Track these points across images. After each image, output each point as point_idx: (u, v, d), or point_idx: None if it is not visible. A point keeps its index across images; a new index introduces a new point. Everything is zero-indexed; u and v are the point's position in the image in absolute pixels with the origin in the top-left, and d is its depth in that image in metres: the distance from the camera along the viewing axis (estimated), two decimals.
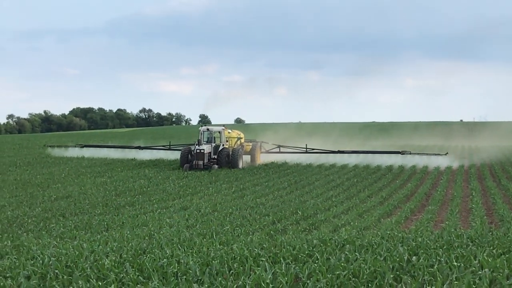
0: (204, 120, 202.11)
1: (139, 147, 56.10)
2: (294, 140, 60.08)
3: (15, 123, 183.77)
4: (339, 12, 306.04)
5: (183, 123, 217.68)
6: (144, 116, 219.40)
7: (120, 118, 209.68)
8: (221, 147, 44.91)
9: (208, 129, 45.71)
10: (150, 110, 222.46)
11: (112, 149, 57.36)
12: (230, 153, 44.78)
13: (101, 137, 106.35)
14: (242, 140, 49.08)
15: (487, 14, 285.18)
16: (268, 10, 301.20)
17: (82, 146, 58.27)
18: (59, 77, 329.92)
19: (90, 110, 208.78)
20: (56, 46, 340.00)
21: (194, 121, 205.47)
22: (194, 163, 42.89)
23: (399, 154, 50.11)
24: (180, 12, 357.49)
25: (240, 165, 44.83)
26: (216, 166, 43.12)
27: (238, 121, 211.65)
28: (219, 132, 45.78)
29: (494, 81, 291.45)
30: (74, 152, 56.05)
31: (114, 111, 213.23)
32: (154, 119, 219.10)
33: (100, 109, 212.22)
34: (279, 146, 52.59)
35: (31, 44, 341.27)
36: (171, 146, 53.44)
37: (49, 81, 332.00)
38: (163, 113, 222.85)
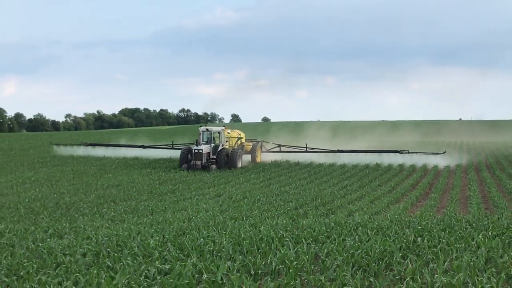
0: (235, 119, 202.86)
1: (142, 146, 51.50)
2: (319, 139, 58.87)
3: (72, 122, 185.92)
4: (353, 25, 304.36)
5: (217, 121, 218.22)
6: (183, 115, 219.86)
7: (162, 117, 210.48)
8: (220, 147, 40.16)
9: (207, 129, 40.96)
10: (188, 110, 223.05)
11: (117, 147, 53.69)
12: (229, 153, 40.42)
13: (146, 133, 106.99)
14: (243, 140, 44.72)
15: (484, 26, 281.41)
16: (292, 23, 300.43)
17: (87, 145, 54.27)
18: (110, 82, 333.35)
19: (137, 110, 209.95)
20: (108, 55, 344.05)
21: (227, 119, 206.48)
22: (192, 163, 38.56)
23: (398, 153, 44.27)
24: (214, 25, 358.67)
25: (239, 165, 40.44)
26: (215, 166, 38.49)
27: (265, 119, 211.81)
28: (219, 132, 41.04)
29: (490, 84, 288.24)
30: (79, 150, 52.33)
31: (158, 111, 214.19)
32: (192, 118, 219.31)
33: (146, 109, 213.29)
34: (279, 146, 48.33)
35: (86, 53, 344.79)
36: (173, 146, 49.02)
37: (102, 85, 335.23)
38: (200, 113, 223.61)
